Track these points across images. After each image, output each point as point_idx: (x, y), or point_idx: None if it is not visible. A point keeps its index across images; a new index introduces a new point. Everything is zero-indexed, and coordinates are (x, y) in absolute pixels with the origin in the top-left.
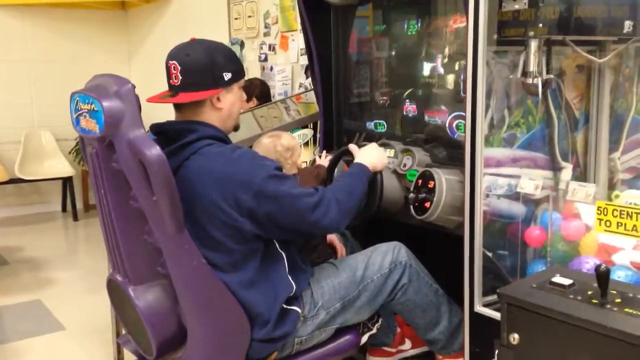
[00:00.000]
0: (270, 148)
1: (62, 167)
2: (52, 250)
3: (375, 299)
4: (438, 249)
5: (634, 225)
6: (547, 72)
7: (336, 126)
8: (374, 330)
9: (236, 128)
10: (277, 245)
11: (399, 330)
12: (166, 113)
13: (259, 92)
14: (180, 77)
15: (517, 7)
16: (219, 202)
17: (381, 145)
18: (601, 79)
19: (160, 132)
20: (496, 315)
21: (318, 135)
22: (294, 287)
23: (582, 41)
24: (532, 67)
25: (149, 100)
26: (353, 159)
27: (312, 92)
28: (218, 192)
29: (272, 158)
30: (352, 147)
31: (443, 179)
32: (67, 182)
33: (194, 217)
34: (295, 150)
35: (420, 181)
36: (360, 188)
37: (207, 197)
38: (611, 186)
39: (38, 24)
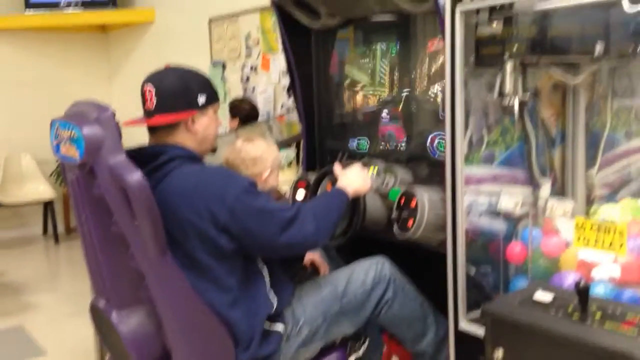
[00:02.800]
0: (236, 149)
1: (43, 190)
2: (34, 274)
3: (359, 313)
4: (421, 266)
5: (612, 241)
6: (523, 92)
7: (319, 146)
8: (360, 354)
9: (213, 150)
10: (258, 262)
11: (385, 347)
12: (144, 138)
13: (245, 116)
14: (155, 101)
15: (492, 30)
16: (195, 220)
17: (363, 164)
18: (576, 97)
19: (132, 156)
20: (480, 332)
21: (301, 155)
22: (275, 305)
23: (556, 61)
24: (508, 87)
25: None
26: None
27: (295, 112)
28: (192, 209)
29: (235, 160)
30: (337, 167)
31: (425, 197)
32: (48, 205)
33: (173, 238)
34: (261, 162)
35: (402, 200)
36: (336, 210)
37: (183, 216)
38: (589, 202)
39: (18, 47)
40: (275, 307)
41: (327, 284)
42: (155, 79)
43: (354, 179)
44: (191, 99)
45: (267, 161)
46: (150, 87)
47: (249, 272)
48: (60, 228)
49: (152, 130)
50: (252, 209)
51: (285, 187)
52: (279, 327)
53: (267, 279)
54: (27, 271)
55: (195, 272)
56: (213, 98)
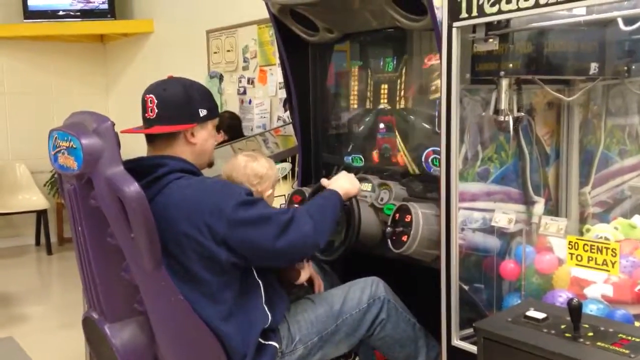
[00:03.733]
0: (239, 166)
1: (37, 200)
2: (25, 285)
3: (354, 333)
4: (415, 282)
5: (604, 260)
6: (518, 110)
7: (314, 160)
8: None
9: (210, 164)
10: (255, 274)
11: None
12: (143, 150)
13: (227, 125)
14: (156, 110)
15: (488, 46)
16: (193, 234)
17: (358, 179)
18: (570, 115)
19: (130, 168)
20: (473, 348)
21: (297, 169)
22: (270, 318)
23: (551, 79)
24: (504, 105)
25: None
26: None
27: (291, 126)
28: (191, 224)
29: (238, 177)
30: (324, 181)
31: (420, 213)
32: (41, 215)
33: (168, 250)
34: (266, 180)
35: (397, 215)
36: (331, 210)
37: (181, 230)
38: (582, 220)
39: (15, 56)
40: (269, 321)
41: (322, 303)
42: (157, 88)
43: (342, 182)
44: (193, 111)
45: (270, 180)
46: (152, 97)
47: (246, 285)
48: (53, 239)
49: (150, 140)
50: (250, 218)
51: (280, 201)
52: (273, 343)
53: (262, 292)
54: (18, 282)
55: (191, 284)
56: (214, 112)
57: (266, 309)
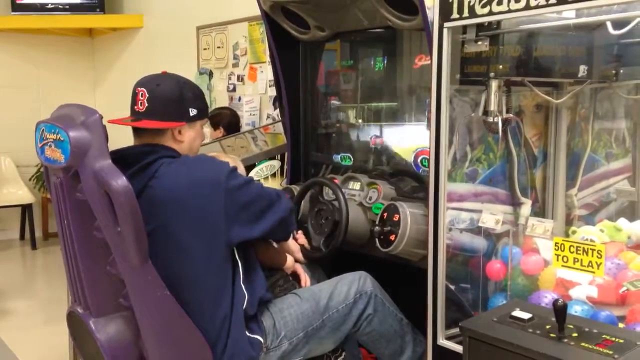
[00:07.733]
0: None
1: (22, 194)
2: (9, 279)
3: (340, 329)
4: (402, 281)
5: (590, 262)
6: (507, 111)
7: (303, 158)
8: None
9: None
10: (236, 253)
11: None
12: (129, 140)
13: (227, 122)
14: (147, 105)
15: (478, 48)
16: (198, 206)
17: (347, 178)
18: (558, 118)
19: (118, 158)
20: (458, 348)
21: (285, 167)
22: (246, 297)
23: (540, 82)
24: (493, 106)
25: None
26: None
27: (280, 123)
28: (190, 198)
29: None
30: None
31: (408, 212)
32: (26, 209)
33: (170, 232)
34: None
35: (385, 214)
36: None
37: (182, 207)
38: (568, 222)
39: (2, 49)
40: (246, 300)
41: (308, 298)
42: (150, 83)
43: None
44: (183, 110)
45: (243, 173)
46: (143, 90)
47: (232, 263)
48: (38, 233)
49: (137, 132)
50: (242, 182)
51: None
52: (258, 337)
53: (241, 272)
54: (2, 276)
55: (193, 265)
56: (203, 113)
57: (243, 287)
